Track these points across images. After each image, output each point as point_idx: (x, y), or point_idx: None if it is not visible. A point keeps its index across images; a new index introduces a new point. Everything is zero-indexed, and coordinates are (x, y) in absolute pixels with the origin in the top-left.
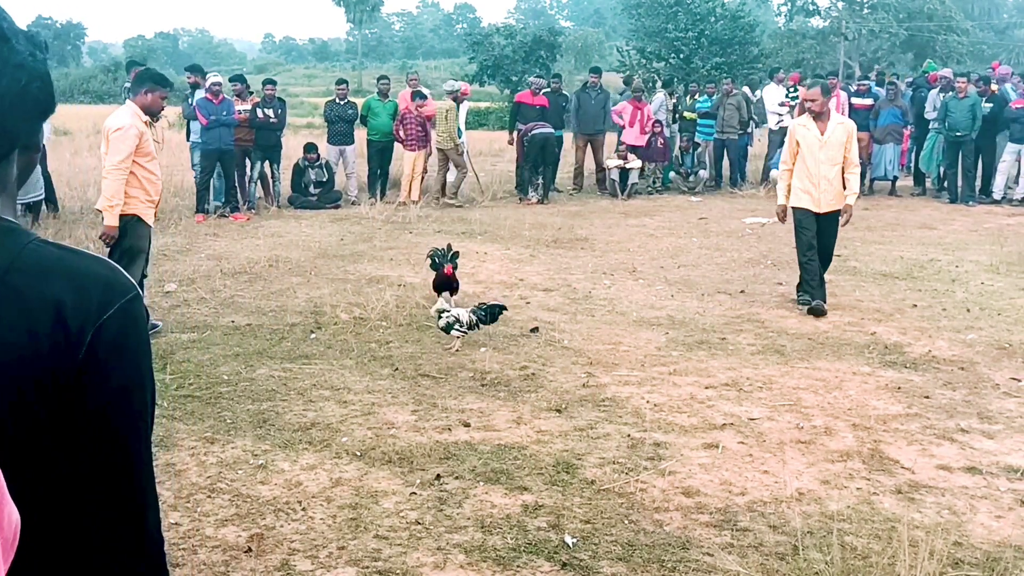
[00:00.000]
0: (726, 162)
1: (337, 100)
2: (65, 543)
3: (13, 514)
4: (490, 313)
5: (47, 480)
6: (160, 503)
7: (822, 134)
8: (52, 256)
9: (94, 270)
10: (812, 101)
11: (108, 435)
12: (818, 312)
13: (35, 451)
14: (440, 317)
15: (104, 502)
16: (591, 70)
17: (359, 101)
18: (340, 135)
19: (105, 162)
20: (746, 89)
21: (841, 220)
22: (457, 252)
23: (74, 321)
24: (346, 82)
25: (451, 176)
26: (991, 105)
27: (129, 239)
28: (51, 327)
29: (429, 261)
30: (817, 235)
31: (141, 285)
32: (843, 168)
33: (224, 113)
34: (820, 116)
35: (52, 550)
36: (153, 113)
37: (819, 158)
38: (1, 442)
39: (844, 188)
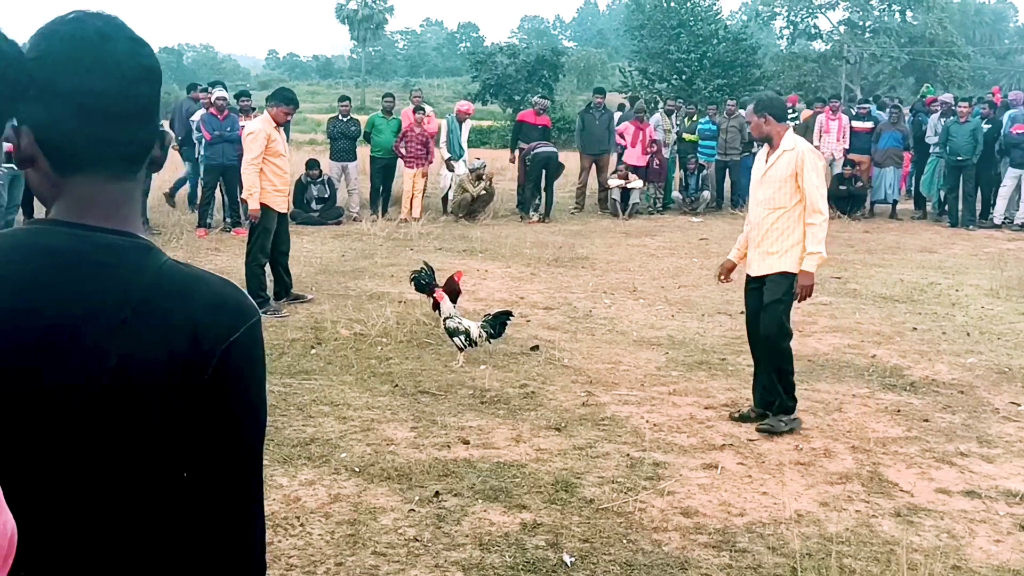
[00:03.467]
0: (727, 183)
1: (340, 117)
2: (176, 556)
3: (9, 523)
4: (497, 324)
5: (168, 492)
6: None
7: (764, 164)
8: (188, 277)
9: (227, 293)
10: (748, 123)
11: (227, 452)
12: (746, 420)
13: (160, 465)
14: (449, 319)
15: (218, 518)
16: (595, 90)
17: (362, 118)
18: (343, 151)
19: (243, 159)
20: (741, 111)
21: (797, 293)
22: (432, 268)
23: (206, 341)
24: (349, 99)
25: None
26: (989, 126)
27: (263, 222)
28: (187, 346)
29: (414, 284)
30: None
31: (283, 261)
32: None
33: (228, 129)
34: (770, 143)
35: (162, 562)
36: (279, 123)
37: (757, 198)
38: (133, 452)
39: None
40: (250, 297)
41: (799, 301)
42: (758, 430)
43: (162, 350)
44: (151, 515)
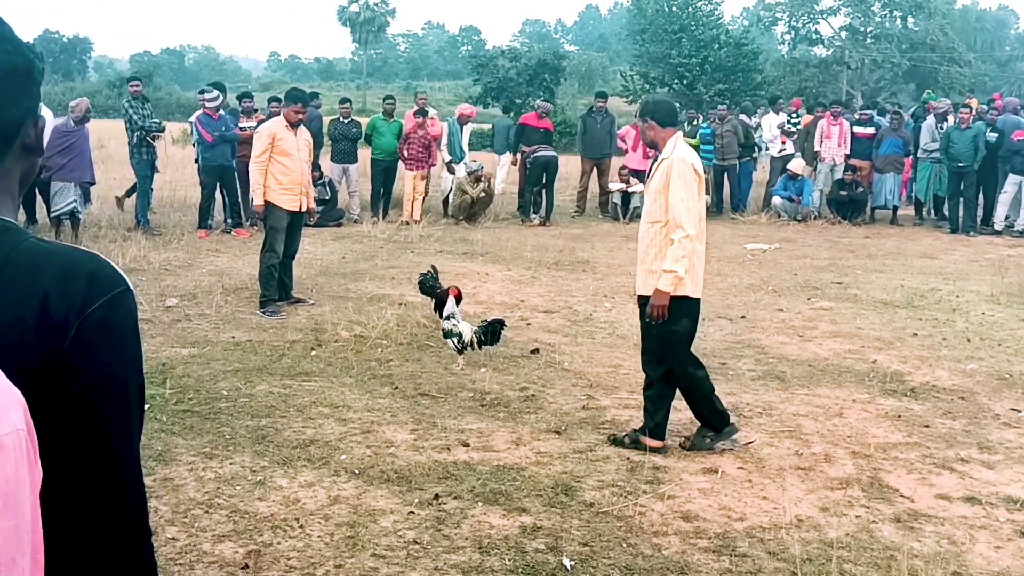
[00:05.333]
0: (726, 188)
1: (341, 119)
2: (49, 530)
3: (39, 470)
4: (489, 333)
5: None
6: (157, 517)
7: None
8: (44, 251)
9: (83, 265)
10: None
11: (92, 424)
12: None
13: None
14: (448, 319)
15: (86, 493)
16: (597, 94)
17: (363, 121)
18: (344, 153)
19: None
20: (743, 116)
21: (648, 312)
22: (436, 270)
23: (59, 312)
24: (349, 101)
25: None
26: (996, 135)
27: (269, 220)
28: (37, 318)
29: (419, 286)
30: None
31: (287, 263)
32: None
33: (223, 129)
34: (658, 150)
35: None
36: (291, 122)
37: (643, 210)
38: None
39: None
40: (115, 268)
41: (651, 322)
42: (680, 446)
43: (11, 326)
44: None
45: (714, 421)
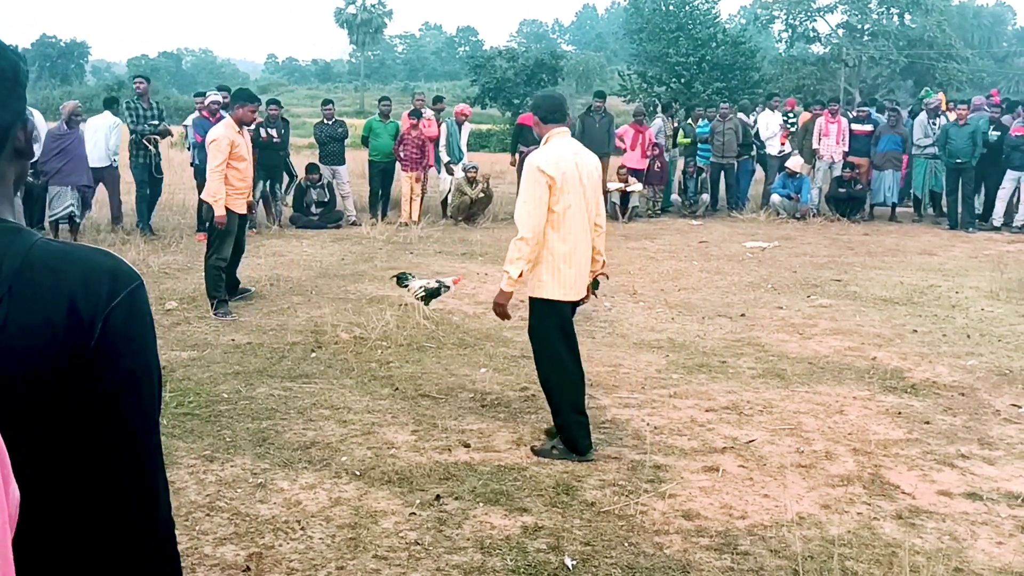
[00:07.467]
0: (723, 186)
1: (325, 121)
2: (76, 523)
3: (15, 491)
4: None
5: (63, 466)
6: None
7: None
8: (60, 252)
9: (101, 262)
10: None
11: (119, 418)
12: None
13: (54, 437)
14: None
15: (115, 485)
16: (595, 94)
17: (360, 123)
18: (331, 155)
19: (208, 166)
20: (741, 115)
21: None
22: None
23: (86, 310)
24: (331, 102)
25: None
26: (999, 133)
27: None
28: (66, 317)
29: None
30: None
31: (237, 259)
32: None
33: None
34: None
35: (62, 530)
36: (244, 124)
37: None
38: (23, 428)
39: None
40: (128, 264)
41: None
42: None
43: (39, 328)
44: (52, 490)
45: (568, 440)
